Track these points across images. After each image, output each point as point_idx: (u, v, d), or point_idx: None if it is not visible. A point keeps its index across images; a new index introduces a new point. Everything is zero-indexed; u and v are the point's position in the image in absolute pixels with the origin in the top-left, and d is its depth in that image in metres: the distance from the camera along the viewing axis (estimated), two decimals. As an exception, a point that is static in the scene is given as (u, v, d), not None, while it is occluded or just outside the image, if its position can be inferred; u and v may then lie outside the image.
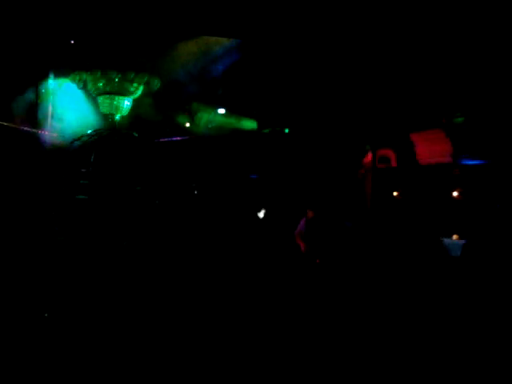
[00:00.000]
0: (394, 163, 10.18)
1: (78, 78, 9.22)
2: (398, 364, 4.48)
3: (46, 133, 9.44)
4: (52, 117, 9.56)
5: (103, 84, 9.18)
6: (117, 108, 9.35)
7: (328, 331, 5.13)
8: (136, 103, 9.66)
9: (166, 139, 10.59)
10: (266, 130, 11.28)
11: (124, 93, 9.31)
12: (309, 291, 6.31)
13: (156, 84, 9.48)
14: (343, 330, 5.15)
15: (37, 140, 9.31)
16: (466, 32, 8.25)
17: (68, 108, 9.63)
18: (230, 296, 6.00)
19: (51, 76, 9.49)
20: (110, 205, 7.84)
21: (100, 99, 9.34)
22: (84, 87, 9.34)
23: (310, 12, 8.26)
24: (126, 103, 9.41)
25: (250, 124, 11.25)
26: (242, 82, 10.52)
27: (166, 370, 4.30)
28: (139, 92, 9.50)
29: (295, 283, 6.52)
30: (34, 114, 9.32)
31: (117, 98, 9.33)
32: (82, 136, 8.90)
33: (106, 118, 9.50)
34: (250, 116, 11.23)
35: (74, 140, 8.87)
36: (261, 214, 9.21)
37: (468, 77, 8.73)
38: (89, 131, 9.11)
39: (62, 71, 9.50)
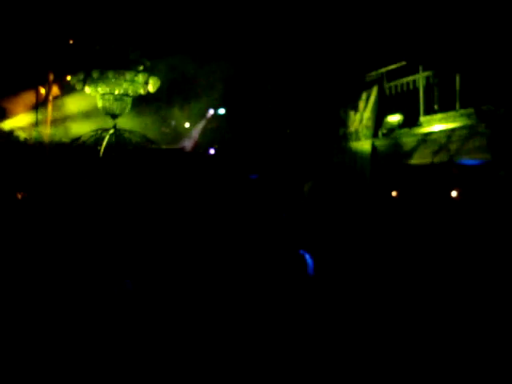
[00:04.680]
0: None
1: (76, 79, 9.14)
2: (398, 364, 4.50)
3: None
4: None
5: (103, 85, 9.14)
6: (116, 108, 9.35)
7: (328, 330, 5.14)
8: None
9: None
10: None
11: (124, 93, 9.30)
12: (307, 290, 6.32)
13: (155, 84, 9.46)
14: (343, 330, 5.16)
15: None
16: (466, 30, 8.28)
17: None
18: (229, 295, 6.02)
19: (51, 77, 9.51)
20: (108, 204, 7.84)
21: (100, 100, 9.32)
22: (83, 88, 9.29)
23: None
24: (126, 104, 9.41)
25: None
26: (244, 83, 10.57)
27: (166, 369, 4.31)
28: (139, 92, 9.49)
29: (294, 284, 6.53)
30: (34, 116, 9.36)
31: (116, 98, 9.32)
32: (80, 136, 8.93)
33: (106, 118, 9.51)
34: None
35: (73, 140, 8.90)
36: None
37: (469, 76, 8.76)
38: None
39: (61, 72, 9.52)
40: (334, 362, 4.51)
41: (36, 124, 9.70)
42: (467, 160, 8.60)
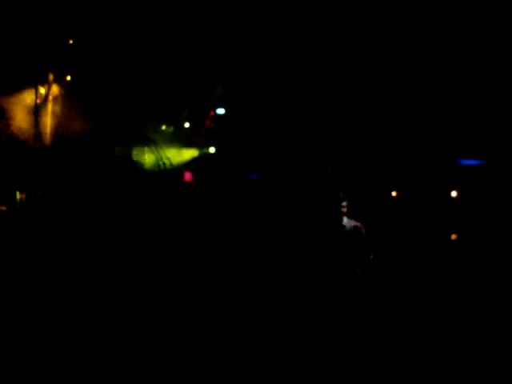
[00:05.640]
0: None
1: None
2: (398, 364, 4.49)
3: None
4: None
5: None
6: None
7: (328, 331, 5.13)
8: None
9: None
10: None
11: None
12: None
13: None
14: (343, 330, 5.15)
15: None
16: (465, 31, 8.27)
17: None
18: (230, 295, 6.01)
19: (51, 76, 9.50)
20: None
21: None
22: None
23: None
24: None
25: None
26: (242, 82, 10.55)
27: (166, 369, 4.30)
28: None
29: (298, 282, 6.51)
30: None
31: None
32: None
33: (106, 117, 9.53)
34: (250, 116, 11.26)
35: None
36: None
37: (467, 77, 8.74)
38: None
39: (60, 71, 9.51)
40: (335, 363, 4.50)
41: (36, 124, 9.67)
42: (467, 160, 8.60)
